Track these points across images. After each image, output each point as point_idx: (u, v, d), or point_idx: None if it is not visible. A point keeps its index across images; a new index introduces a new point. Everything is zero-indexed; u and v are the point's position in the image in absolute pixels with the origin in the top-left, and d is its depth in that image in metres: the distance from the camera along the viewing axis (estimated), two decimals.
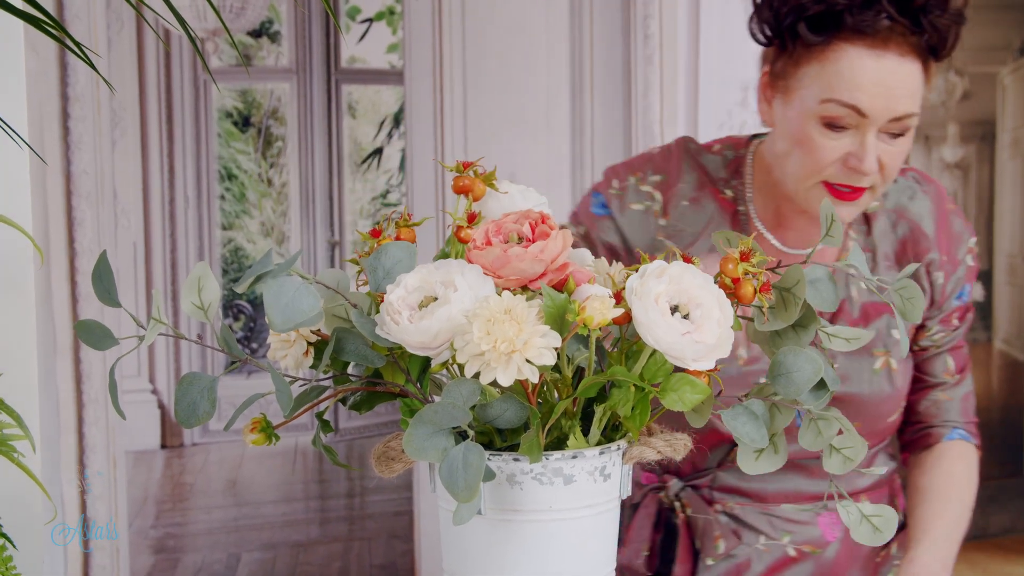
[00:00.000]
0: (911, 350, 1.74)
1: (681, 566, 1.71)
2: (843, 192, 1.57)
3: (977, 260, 1.74)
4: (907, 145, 1.57)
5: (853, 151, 1.55)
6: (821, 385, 1.09)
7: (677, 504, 1.73)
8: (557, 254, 1.06)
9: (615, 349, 1.09)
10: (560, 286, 1.05)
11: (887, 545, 1.77)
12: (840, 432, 1.09)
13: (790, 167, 1.60)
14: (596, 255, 1.66)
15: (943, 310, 1.73)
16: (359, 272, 1.13)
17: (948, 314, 1.74)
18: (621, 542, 1.78)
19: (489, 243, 1.07)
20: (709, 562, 1.70)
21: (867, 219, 1.72)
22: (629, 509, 1.78)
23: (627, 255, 1.71)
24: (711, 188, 1.71)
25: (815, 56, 1.55)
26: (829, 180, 1.57)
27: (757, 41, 1.62)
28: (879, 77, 1.52)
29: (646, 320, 1.01)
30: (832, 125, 1.55)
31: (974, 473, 1.74)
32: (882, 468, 1.78)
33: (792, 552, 1.71)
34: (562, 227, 1.67)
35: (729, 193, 1.71)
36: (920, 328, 1.73)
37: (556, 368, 1.06)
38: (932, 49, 1.55)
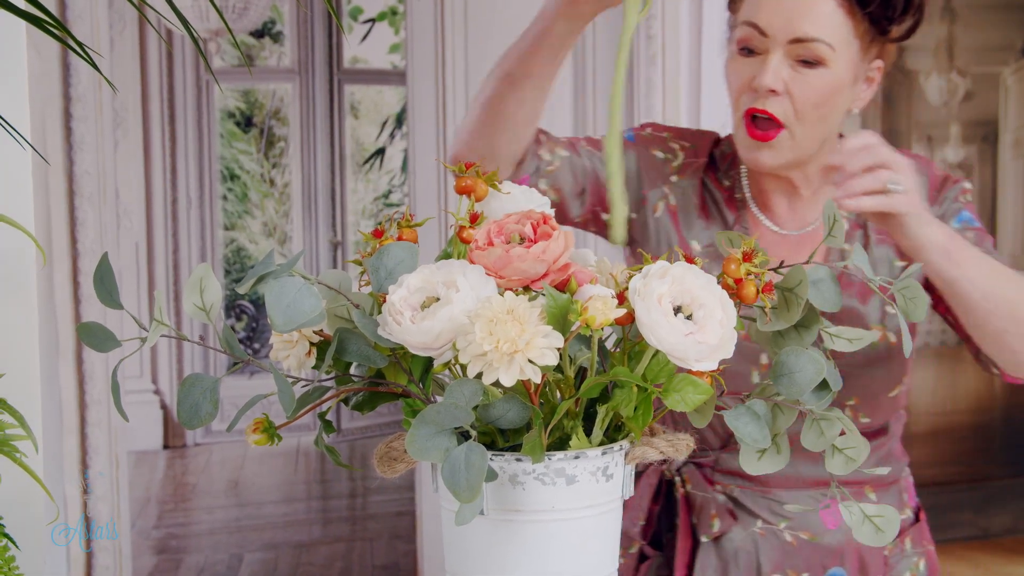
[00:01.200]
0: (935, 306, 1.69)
1: (682, 542, 1.71)
2: (756, 132, 1.60)
3: (971, 205, 1.71)
4: (824, 80, 1.58)
5: (758, 73, 1.59)
6: (823, 386, 1.09)
7: (678, 479, 1.73)
8: (559, 254, 1.06)
9: (618, 349, 1.09)
10: (562, 286, 1.05)
11: (900, 538, 1.75)
12: (842, 432, 1.09)
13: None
14: (573, 173, 1.67)
15: None
16: (361, 272, 1.13)
17: None
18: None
19: (491, 243, 1.07)
20: (704, 539, 1.70)
21: None
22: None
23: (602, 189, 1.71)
24: (712, 174, 1.75)
25: None
26: (743, 109, 1.61)
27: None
28: None
29: (649, 321, 1.01)
30: (744, 50, 1.60)
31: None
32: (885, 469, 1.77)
33: (788, 538, 1.71)
34: (542, 133, 1.68)
35: (727, 183, 1.74)
36: None
37: (558, 368, 1.06)
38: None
